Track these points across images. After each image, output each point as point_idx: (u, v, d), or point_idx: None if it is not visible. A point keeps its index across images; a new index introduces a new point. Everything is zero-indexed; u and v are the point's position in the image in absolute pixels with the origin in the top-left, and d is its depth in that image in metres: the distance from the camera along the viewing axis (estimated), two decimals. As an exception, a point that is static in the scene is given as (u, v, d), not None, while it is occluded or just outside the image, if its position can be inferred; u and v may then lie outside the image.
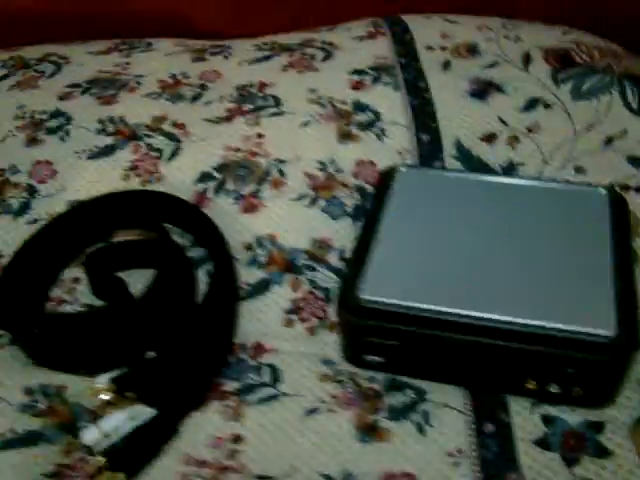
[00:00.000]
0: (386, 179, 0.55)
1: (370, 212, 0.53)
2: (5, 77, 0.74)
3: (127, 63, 0.73)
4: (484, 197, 0.52)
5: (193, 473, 0.44)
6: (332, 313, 0.52)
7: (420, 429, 0.45)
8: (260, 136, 0.63)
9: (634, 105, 0.62)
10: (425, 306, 0.46)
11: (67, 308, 0.55)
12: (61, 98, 0.69)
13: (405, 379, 0.47)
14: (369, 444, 0.44)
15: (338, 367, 0.49)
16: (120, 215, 0.59)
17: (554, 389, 0.45)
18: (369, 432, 0.45)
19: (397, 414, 0.45)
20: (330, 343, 0.50)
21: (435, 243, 0.49)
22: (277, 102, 0.65)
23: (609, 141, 0.60)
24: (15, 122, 0.68)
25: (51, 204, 0.61)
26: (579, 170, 0.58)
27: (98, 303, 0.54)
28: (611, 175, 0.57)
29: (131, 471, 0.44)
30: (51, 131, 0.66)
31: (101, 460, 0.45)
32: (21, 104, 0.69)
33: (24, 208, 0.61)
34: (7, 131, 0.67)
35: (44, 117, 0.68)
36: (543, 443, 0.44)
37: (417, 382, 0.47)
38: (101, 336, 0.51)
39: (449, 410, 0.45)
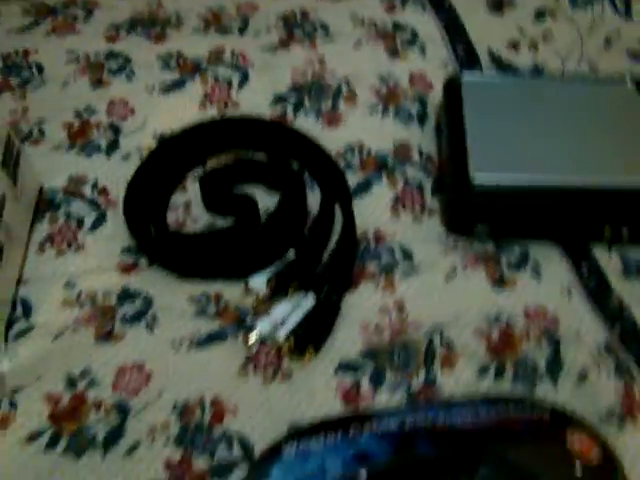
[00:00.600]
0: (452, 85, 0.64)
1: (448, 113, 0.63)
2: (35, 24, 0.74)
3: (159, 4, 0.76)
4: (540, 92, 0.63)
5: (374, 338, 0.53)
6: (428, 201, 0.62)
7: (536, 274, 0.56)
8: (321, 59, 0.70)
9: (622, 11, 0.75)
10: (526, 178, 0.57)
11: (189, 229, 0.61)
12: (109, 40, 0.72)
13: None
14: (504, 290, 0.55)
15: (450, 240, 0.59)
16: (214, 142, 0.64)
17: (625, 233, 0.58)
18: (500, 283, 0.56)
19: (515, 266, 0.57)
20: (433, 225, 0.60)
21: (516, 130, 0.60)
22: (325, 27, 0.73)
23: (608, 42, 0.73)
24: (70, 66, 0.70)
25: (138, 139, 0.65)
26: (592, 66, 0.71)
27: (218, 222, 0.61)
28: (618, 69, 0.70)
29: (316, 344, 0.53)
30: (114, 72, 0.70)
31: (288, 341, 0.53)
32: (69, 49, 0.72)
33: (113, 146, 0.65)
34: (65, 76, 0.69)
35: (100, 59, 0.71)
36: (625, 273, 0.57)
37: (519, 241, 0.59)
38: (239, 246, 0.58)
39: (551, 258, 0.57)
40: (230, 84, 0.68)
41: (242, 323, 0.54)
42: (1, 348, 0.53)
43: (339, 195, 0.60)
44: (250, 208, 0.60)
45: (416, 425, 0.46)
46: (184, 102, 0.68)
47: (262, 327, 0.54)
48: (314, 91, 0.68)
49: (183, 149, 0.64)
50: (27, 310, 0.56)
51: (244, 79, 0.69)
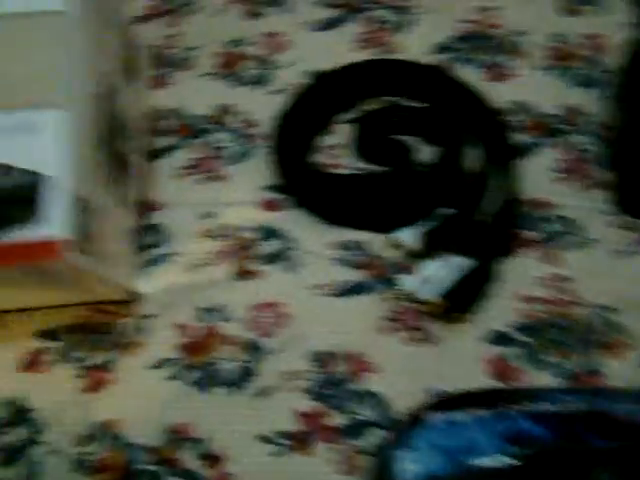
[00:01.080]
0: (636, 49, 0.58)
1: (629, 80, 0.57)
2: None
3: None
4: None
5: (531, 311, 0.49)
6: (597, 173, 0.55)
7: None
8: (489, 9, 0.64)
9: None
10: None
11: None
12: (265, -29, 0.69)
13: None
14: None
15: (619, 219, 0.53)
16: (367, 85, 0.61)
17: None
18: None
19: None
20: (603, 199, 0.54)
21: None
22: (496, -22, 0.67)
23: None
24: (222, -4, 0.68)
25: (289, 75, 0.62)
26: None
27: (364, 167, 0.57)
28: None
29: (466, 310, 0.49)
30: (270, 3, 0.67)
31: (436, 302, 0.49)
32: (223, -22, 0.69)
33: (263, 79, 0.62)
34: (220, 4, 0.67)
35: (255, -10, 0.68)
36: None
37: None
38: (388, 196, 0.54)
39: None
40: (389, 28, 0.64)
41: (387, 278, 0.51)
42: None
43: (501, 155, 0.56)
44: (405, 157, 0.56)
45: (577, 410, 0.42)
46: (339, 42, 0.64)
47: (409, 284, 0.50)
48: (479, 43, 0.62)
49: (334, 89, 0.60)
50: (165, 237, 0.54)
51: (404, 24, 0.64)
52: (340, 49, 0.63)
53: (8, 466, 0.45)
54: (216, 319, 0.49)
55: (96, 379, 0.48)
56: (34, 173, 0.40)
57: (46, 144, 0.41)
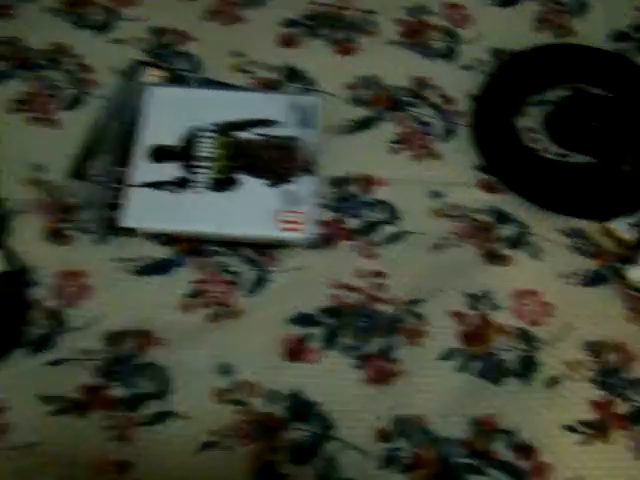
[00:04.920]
0: None
1: None
2: None
3: None
4: None
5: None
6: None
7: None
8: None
9: None
10: None
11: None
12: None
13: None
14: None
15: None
16: (554, 69, 0.60)
17: None
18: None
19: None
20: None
21: None
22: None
23: None
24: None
25: (474, 50, 0.62)
26: None
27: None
28: None
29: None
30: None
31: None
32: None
33: (451, 52, 0.61)
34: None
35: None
36: None
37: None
38: (600, 186, 0.55)
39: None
40: (567, 10, 0.64)
41: (615, 267, 0.52)
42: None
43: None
44: (612, 146, 0.56)
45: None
46: (519, 19, 0.64)
47: (633, 274, 0.51)
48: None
49: (524, 72, 0.60)
50: (395, 214, 0.53)
51: (583, 7, 0.64)
52: (520, 27, 0.63)
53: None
54: (486, 307, 0.49)
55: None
56: None
57: None
